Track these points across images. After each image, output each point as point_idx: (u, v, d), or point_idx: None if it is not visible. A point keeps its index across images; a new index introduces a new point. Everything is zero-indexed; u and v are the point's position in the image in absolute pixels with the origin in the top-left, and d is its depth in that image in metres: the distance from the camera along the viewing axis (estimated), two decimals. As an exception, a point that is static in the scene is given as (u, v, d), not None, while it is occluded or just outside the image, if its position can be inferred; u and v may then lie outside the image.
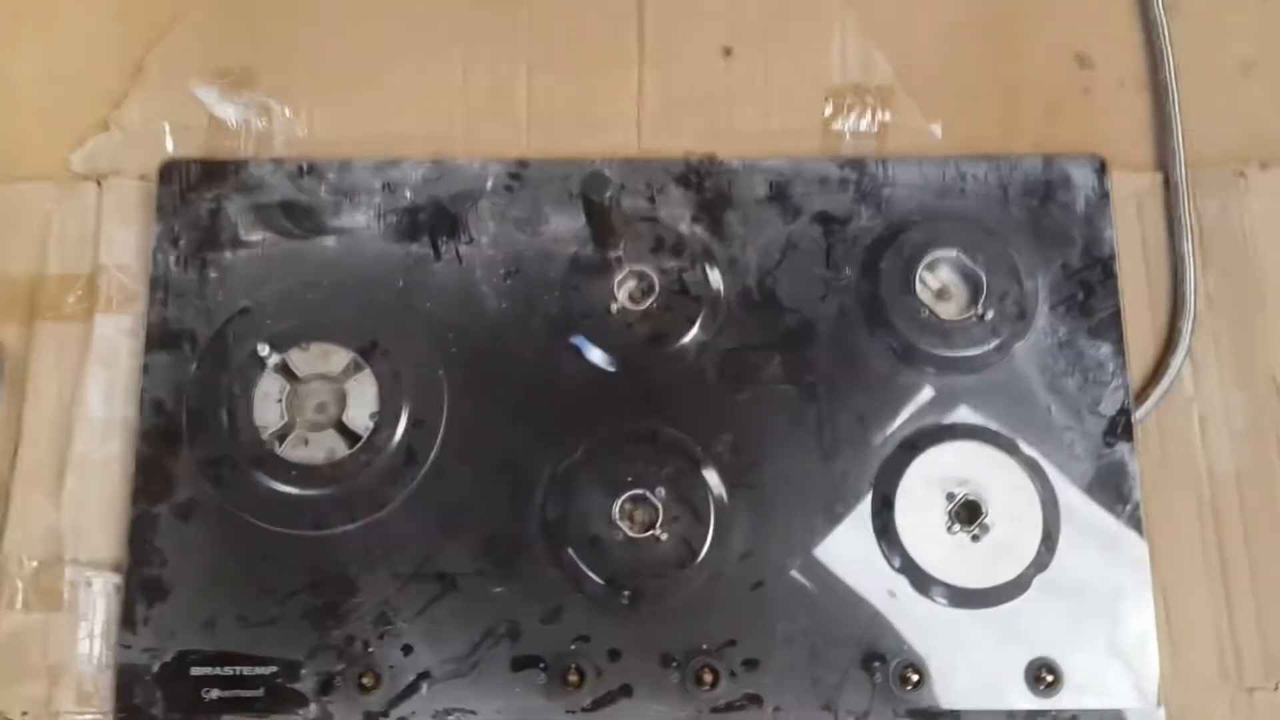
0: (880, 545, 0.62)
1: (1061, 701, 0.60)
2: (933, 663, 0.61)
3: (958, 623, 0.61)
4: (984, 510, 0.62)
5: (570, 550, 0.62)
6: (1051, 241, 0.67)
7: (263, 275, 0.66)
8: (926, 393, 0.65)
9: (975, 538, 0.62)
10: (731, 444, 0.64)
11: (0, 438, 0.65)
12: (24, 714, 0.61)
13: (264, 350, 0.64)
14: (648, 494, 0.62)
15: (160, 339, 0.65)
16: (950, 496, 0.62)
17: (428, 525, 0.62)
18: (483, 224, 0.67)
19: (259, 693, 0.60)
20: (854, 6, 0.72)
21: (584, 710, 0.60)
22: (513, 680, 0.60)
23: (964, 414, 0.64)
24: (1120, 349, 0.66)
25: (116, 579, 0.62)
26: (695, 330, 0.65)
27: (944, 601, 0.61)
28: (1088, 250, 0.67)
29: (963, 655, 0.61)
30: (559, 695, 0.60)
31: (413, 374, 0.65)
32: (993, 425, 0.64)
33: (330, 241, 0.67)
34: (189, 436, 0.64)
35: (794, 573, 0.62)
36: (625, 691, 0.60)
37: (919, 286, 0.66)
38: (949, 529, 0.62)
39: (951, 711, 0.60)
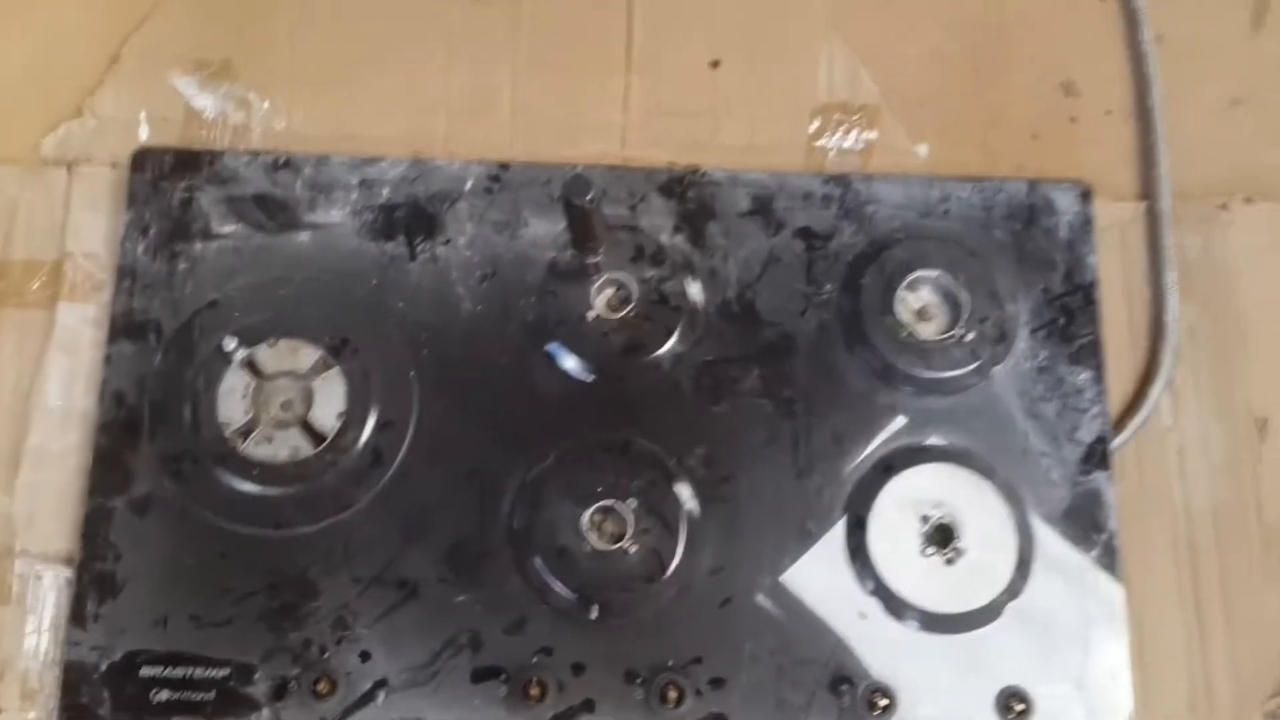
0: (852, 566, 0.61)
1: (1031, 731, 0.59)
2: (902, 688, 0.59)
3: (928, 648, 0.60)
4: (958, 534, 0.61)
5: (537, 560, 0.60)
6: (1033, 266, 0.67)
7: (233, 268, 0.65)
8: (898, 420, 0.64)
9: (949, 562, 0.61)
10: (705, 458, 0.63)
11: (-46, 424, 0.63)
12: (-36, 710, 0.59)
13: (230, 345, 0.63)
14: (618, 505, 0.61)
15: (125, 329, 0.64)
16: (925, 519, 0.61)
17: (391, 529, 0.61)
18: (460, 225, 0.66)
19: (210, 696, 0.58)
20: (841, 26, 0.72)
21: (544, 725, 0.58)
22: (473, 692, 0.59)
23: (940, 436, 0.63)
24: (1100, 376, 0.65)
25: (68, 573, 0.60)
26: (672, 341, 0.64)
27: (915, 626, 0.60)
28: (1069, 276, 0.67)
29: (932, 681, 0.60)
30: (520, 709, 0.58)
31: (382, 374, 0.63)
32: (969, 448, 0.63)
33: (304, 237, 0.66)
34: (150, 430, 0.62)
35: (763, 592, 0.61)
36: (588, 707, 0.59)
37: (899, 306, 0.65)
38: (923, 552, 0.61)
39: (919, 738, 0.59)
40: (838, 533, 0.62)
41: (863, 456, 0.63)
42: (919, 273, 0.65)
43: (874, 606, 0.61)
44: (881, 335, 0.64)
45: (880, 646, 0.60)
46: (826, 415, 0.64)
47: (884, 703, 0.59)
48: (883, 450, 0.63)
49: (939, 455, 0.63)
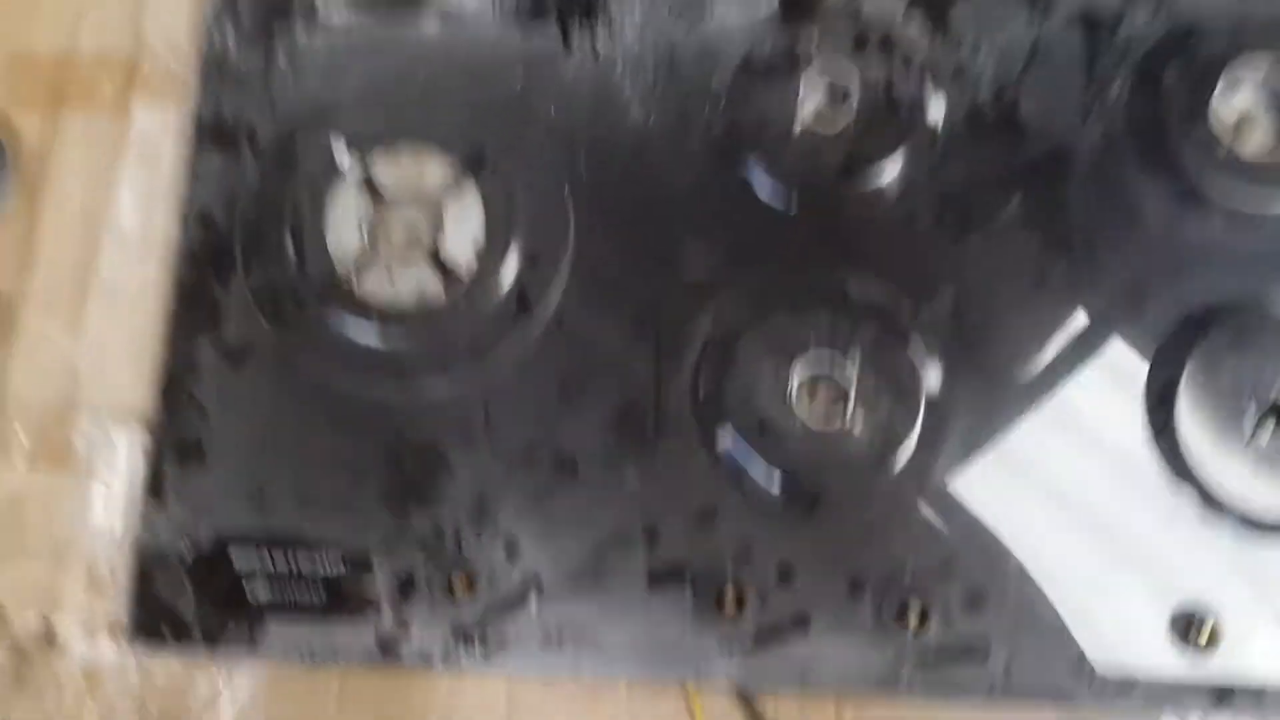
0: (1154, 450, 0.46)
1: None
2: (1224, 613, 0.44)
3: (1260, 563, 0.45)
4: (1303, 414, 0.45)
5: (730, 436, 0.46)
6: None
7: (345, 64, 0.52)
8: (1214, 263, 0.48)
9: (1289, 451, 0.45)
10: (950, 309, 0.48)
11: (10, 251, 0.51)
12: (19, 602, 0.47)
13: (343, 156, 0.49)
14: (835, 369, 0.46)
15: (212, 136, 0.51)
16: (1256, 394, 0.46)
17: (544, 391, 0.48)
18: (628, 7, 0.51)
19: (319, 593, 0.46)
20: None
21: (744, 646, 0.45)
22: (649, 599, 0.45)
23: (1272, 288, 0.47)
24: None
25: (144, 435, 0.48)
26: (904, 159, 0.49)
27: (1240, 532, 0.45)
28: None
29: (1263, 606, 0.45)
30: (711, 622, 0.45)
31: (529, 197, 0.49)
32: (1315, 303, 0.47)
33: (432, 25, 0.52)
34: (243, 261, 0.49)
35: (1033, 487, 0.46)
36: (800, 624, 0.45)
37: (1213, 114, 0.48)
38: (1252, 436, 0.45)
39: (1253, 691, 0.44)
40: (1136, 411, 0.46)
41: (1167, 310, 0.47)
42: (1239, 69, 0.49)
43: (1185, 505, 0.45)
44: (1189, 152, 0.48)
45: (1194, 559, 0.45)
46: (1116, 255, 0.48)
47: (1207, 632, 0.44)
48: (1194, 302, 0.47)
49: (1268, 311, 0.47)
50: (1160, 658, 0.44)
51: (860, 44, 0.50)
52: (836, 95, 0.50)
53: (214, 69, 0.52)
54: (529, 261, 0.49)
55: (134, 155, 0.52)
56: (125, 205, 0.51)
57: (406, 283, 0.49)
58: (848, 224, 0.49)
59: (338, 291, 0.48)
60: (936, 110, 0.50)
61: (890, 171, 0.49)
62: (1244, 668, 0.44)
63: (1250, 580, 0.45)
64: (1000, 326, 0.48)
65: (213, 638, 0.46)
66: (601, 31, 0.51)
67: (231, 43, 0.52)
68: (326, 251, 0.49)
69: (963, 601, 0.45)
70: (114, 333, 0.50)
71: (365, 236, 0.49)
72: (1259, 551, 0.45)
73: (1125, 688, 0.44)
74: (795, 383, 0.47)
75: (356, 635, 0.45)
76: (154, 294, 0.50)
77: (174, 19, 0.53)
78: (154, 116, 0.52)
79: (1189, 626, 0.44)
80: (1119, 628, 0.44)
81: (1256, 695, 0.44)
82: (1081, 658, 0.44)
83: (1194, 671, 0.44)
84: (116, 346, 0.50)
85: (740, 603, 0.45)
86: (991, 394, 0.47)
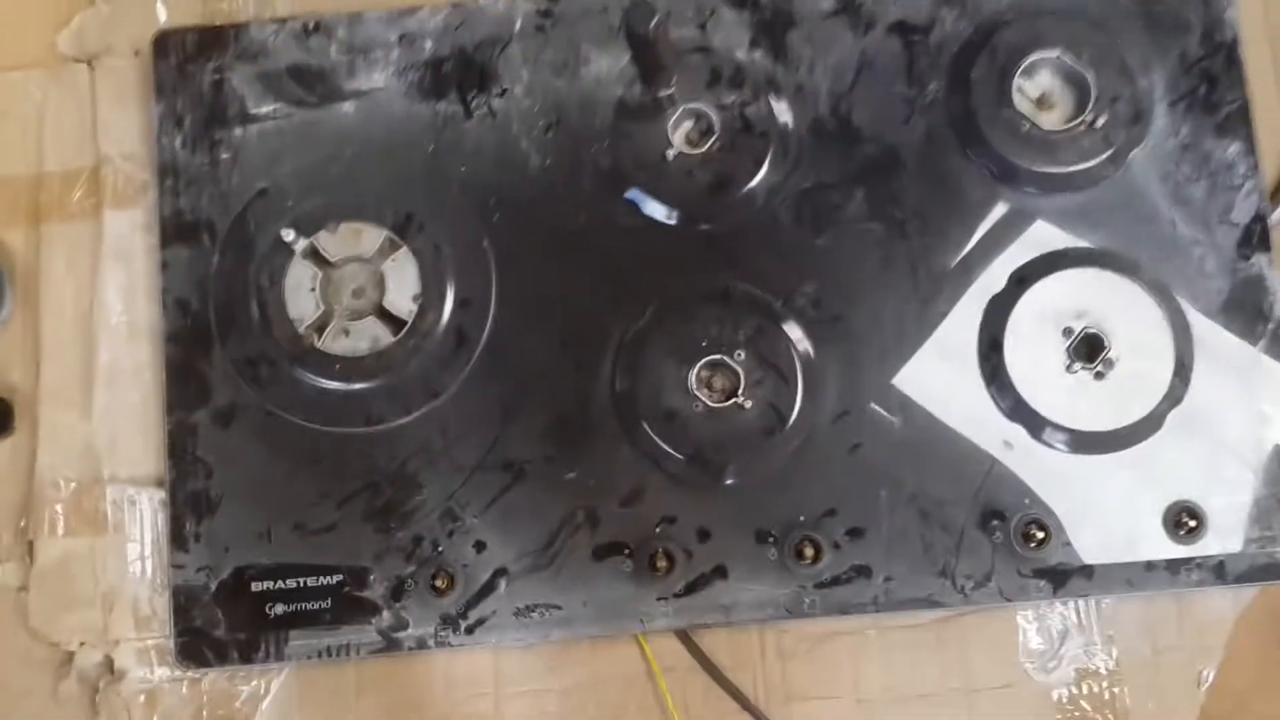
0: (991, 392, 0.56)
1: (1207, 548, 0.54)
2: (1059, 516, 0.55)
3: (1085, 470, 0.55)
4: (1107, 344, 0.55)
5: (646, 426, 0.56)
6: (1165, 29, 0.59)
7: (278, 151, 0.60)
8: (1027, 226, 0.57)
9: (1099, 375, 0.55)
10: (814, 295, 0.57)
11: (18, 353, 0.60)
12: (81, 643, 0.57)
13: (289, 235, 0.58)
14: (726, 358, 0.56)
15: (176, 232, 0.59)
16: (1067, 332, 0.55)
17: (488, 411, 0.57)
18: (515, 72, 0.60)
19: (326, 604, 0.55)
20: None
21: (676, 596, 0.55)
22: (596, 570, 0.55)
23: (1076, 238, 0.57)
24: (1251, 147, 0.57)
25: (161, 494, 0.57)
26: (763, 171, 0.58)
27: (1066, 448, 0.55)
28: (1207, 36, 0.58)
29: (1093, 505, 0.55)
30: (648, 582, 0.55)
31: (454, 248, 0.58)
32: (1111, 247, 0.57)
33: (348, 107, 0.60)
34: (220, 335, 0.58)
35: (896, 430, 0.56)
36: (720, 573, 0.55)
37: (1017, 96, 0.58)
38: (1068, 368, 0.55)
39: (1083, 567, 0.54)
40: (971, 359, 0.56)
41: (991, 272, 0.57)
42: (1036, 55, 0.58)
43: (1019, 433, 0.55)
44: (999, 132, 0.57)
45: (1031, 475, 0.55)
46: (945, 232, 0.57)
47: (1040, 534, 0.54)
48: (1013, 262, 0.57)
49: (1077, 260, 0.56)
50: (1005, 562, 0.55)
51: (714, 79, 0.59)
52: (701, 123, 0.59)
53: (168, 171, 0.60)
54: (461, 303, 0.58)
55: (111, 255, 0.60)
56: (111, 300, 0.60)
57: (360, 336, 0.58)
58: (723, 233, 0.58)
59: (303, 350, 0.57)
60: (785, 125, 0.59)
61: (753, 183, 0.58)
62: (1080, 555, 0.54)
63: (1082, 485, 0.55)
64: (859, 306, 0.57)
65: (245, 651, 0.55)
66: (495, 94, 0.60)
67: (179, 146, 0.60)
68: (288, 318, 0.58)
69: (845, 535, 0.55)
70: (121, 412, 0.59)
71: (319, 300, 0.58)
72: (1086, 461, 0.55)
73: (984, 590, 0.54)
74: (694, 375, 0.56)
75: (362, 633, 0.55)
76: (150, 374, 0.59)
77: (125, 130, 0.61)
78: (123, 219, 0.61)
79: (1027, 534, 0.54)
80: (972, 543, 0.54)
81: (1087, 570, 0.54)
82: (946, 568, 0.54)
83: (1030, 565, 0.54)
84: (125, 423, 0.59)
85: (670, 563, 0.55)
86: (857, 361, 0.57)
